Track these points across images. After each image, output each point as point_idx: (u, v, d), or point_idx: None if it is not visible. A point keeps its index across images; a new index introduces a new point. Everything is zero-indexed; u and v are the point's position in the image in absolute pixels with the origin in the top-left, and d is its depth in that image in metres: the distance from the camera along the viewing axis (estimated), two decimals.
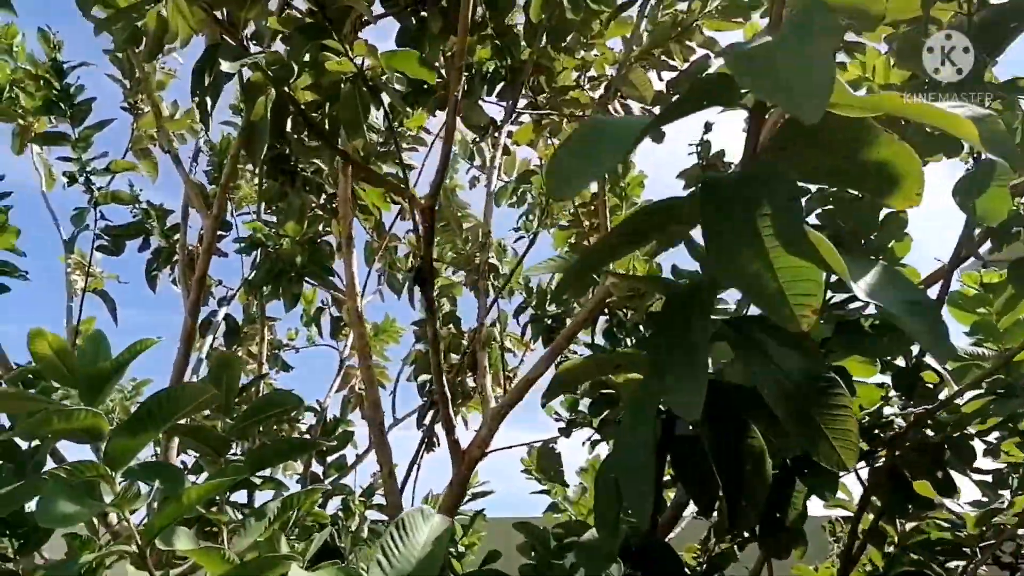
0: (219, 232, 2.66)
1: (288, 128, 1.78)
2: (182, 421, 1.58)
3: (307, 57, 1.67)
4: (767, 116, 0.77)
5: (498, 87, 3.08)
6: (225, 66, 1.45)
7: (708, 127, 3.02)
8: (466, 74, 2.27)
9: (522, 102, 3.25)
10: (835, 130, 0.77)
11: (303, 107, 1.68)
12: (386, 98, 1.81)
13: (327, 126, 2.14)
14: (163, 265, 3.44)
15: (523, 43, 2.97)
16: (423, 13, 2.75)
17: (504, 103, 3.13)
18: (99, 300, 3.51)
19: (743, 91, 0.74)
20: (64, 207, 3.35)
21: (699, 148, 2.99)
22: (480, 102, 2.98)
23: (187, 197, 3.01)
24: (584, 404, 2.42)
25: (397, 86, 1.64)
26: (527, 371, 2.33)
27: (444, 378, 2.07)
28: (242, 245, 2.94)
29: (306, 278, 2.88)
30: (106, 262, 3.60)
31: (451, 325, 3.50)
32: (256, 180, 3.47)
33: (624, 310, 2.86)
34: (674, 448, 0.94)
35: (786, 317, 0.62)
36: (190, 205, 3.02)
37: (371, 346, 3.09)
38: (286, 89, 1.59)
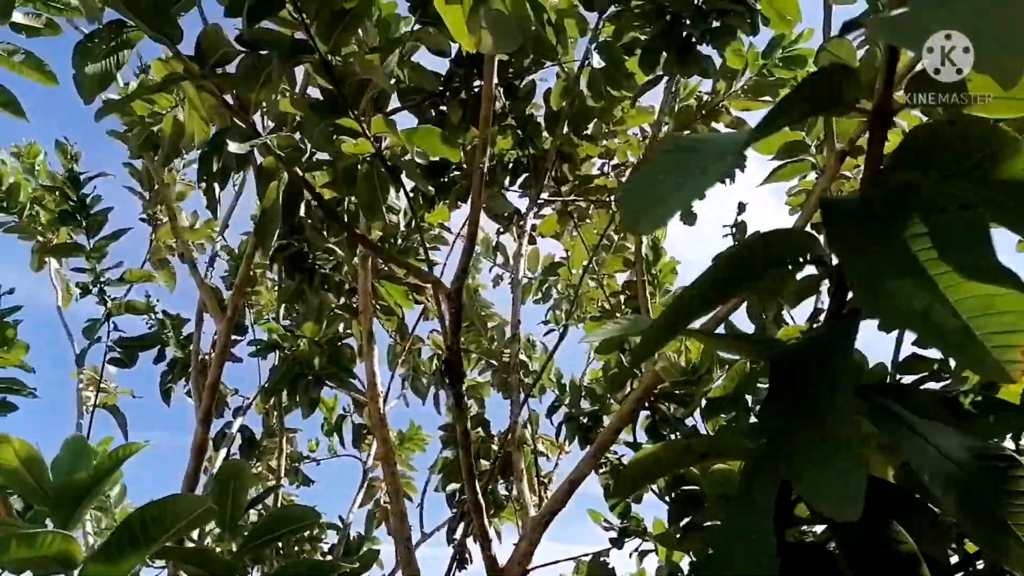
0: (234, 336, 2.52)
1: (302, 214, 1.66)
2: (188, 544, 1.38)
3: (322, 142, 1.56)
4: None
5: (521, 178, 3.00)
6: (233, 147, 1.34)
7: (742, 207, 2.91)
8: (489, 163, 2.19)
9: (545, 193, 3.16)
10: (964, 142, 0.61)
11: (318, 192, 1.56)
12: (407, 182, 1.70)
13: (345, 218, 2.03)
14: (178, 377, 3.29)
15: (544, 133, 2.91)
16: (442, 107, 2.71)
17: (527, 193, 3.04)
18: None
19: (861, 88, 0.59)
20: (81, 321, 3.25)
21: (734, 229, 2.86)
22: (503, 192, 2.89)
23: (201, 303, 2.90)
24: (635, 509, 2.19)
25: (419, 159, 1.52)
26: (568, 474, 2.11)
27: (476, 483, 1.87)
28: (258, 348, 2.79)
29: (326, 381, 2.71)
30: (122, 378, 3.48)
31: (480, 428, 3.30)
32: (275, 287, 3.36)
33: (666, 404, 2.66)
34: (785, 555, 0.73)
35: (983, 363, 0.45)
36: (204, 310, 2.90)
37: (396, 454, 2.88)
38: (299, 171, 1.48)
